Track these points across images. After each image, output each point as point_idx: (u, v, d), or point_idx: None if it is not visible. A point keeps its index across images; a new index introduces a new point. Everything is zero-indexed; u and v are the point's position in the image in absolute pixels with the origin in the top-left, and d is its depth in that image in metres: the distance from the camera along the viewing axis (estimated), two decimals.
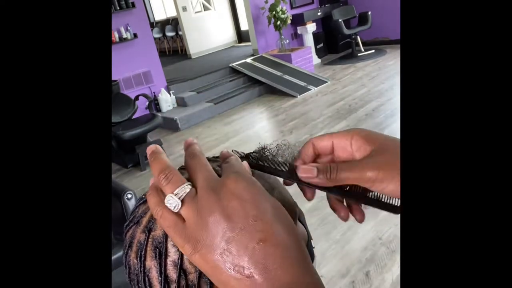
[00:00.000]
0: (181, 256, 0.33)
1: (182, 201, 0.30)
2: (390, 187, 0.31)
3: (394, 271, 1.83)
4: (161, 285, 0.33)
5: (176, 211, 0.30)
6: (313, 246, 0.42)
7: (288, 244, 0.29)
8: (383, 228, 2.09)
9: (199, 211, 0.29)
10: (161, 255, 0.33)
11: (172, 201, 0.30)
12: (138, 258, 0.34)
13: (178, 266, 0.33)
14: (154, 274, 0.34)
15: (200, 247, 0.28)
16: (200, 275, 0.33)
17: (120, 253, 1.63)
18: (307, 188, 0.35)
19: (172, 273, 0.33)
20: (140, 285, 0.34)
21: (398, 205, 0.32)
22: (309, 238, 0.42)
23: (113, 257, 1.62)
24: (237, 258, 0.27)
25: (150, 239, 0.34)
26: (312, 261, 0.41)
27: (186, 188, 0.30)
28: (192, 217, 0.29)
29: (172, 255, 0.33)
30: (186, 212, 0.30)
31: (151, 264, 0.34)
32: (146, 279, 0.34)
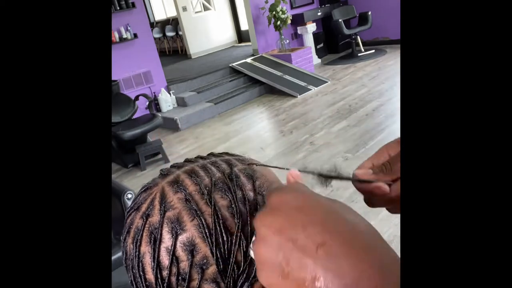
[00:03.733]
0: (175, 243, 0.33)
1: None
2: None
3: None
4: (153, 270, 0.34)
5: None
6: None
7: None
8: (383, 228, 2.09)
9: None
10: (156, 240, 0.34)
11: None
12: (134, 243, 0.35)
13: (171, 253, 0.33)
14: (147, 260, 0.34)
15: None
16: (192, 264, 0.33)
17: (120, 253, 1.63)
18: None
19: (165, 259, 0.34)
20: (134, 271, 0.35)
21: None
22: None
23: (113, 257, 1.61)
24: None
25: (147, 225, 0.35)
26: None
27: None
28: None
29: (166, 242, 0.34)
30: None
31: (146, 249, 0.34)
32: (140, 264, 0.35)
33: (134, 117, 3.98)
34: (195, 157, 0.43)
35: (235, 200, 0.35)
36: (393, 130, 3.36)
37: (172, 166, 0.41)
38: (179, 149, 4.06)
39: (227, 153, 0.44)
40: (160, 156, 3.75)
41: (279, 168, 0.40)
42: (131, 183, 3.44)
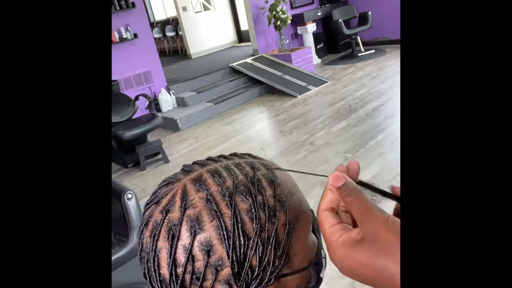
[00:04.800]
0: (192, 241, 0.34)
1: None
2: None
3: None
4: (168, 266, 0.34)
5: None
6: (323, 255, 0.42)
7: None
8: None
9: None
10: (174, 237, 0.34)
11: None
12: (152, 237, 0.35)
13: (188, 251, 0.34)
14: (163, 255, 0.35)
15: None
16: (207, 264, 0.33)
17: (120, 253, 1.63)
18: None
19: (181, 257, 0.34)
20: (149, 264, 0.35)
21: None
22: (319, 246, 0.42)
23: (113, 257, 1.61)
24: None
25: (166, 220, 0.35)
26: (321, 271, 0.41)
27: None
28: None
29: (184, 239, 0.34)
30: None
31: (163, 244, 0.35)
32: (156, 258, 0.35)
33: (134, 117, 3.98)
34: (218, 156, 0.43)
35: (255, 205, 0.35)
36: (393, 130, 3.36)
37: (194, 163, 0.41)
38: (179, 149, 4.06)
39: (250, 155, 0.43)
40: (160, 156, 3.75)
41: (313, 174, 0.40)
42: (131, 183, 3.43)
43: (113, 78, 4.31)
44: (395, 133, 3.28)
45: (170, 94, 5.18)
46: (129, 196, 1.72)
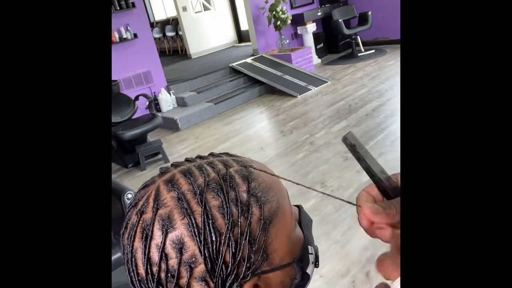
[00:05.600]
0: (164, 240, 0.34)
1: None
2: None
3: None
4: (144, 265, 0.35)
5: None
6: (310, 252, 0.42)
7: None
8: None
9: None
10: (147, 237, 0.35)
11: None
12: (128, 239, 0.36)
13: (160, 249, 0.34)
14: (139, 255, 0.35)
15: None
16: (180, 261, 0.34)
17: (120, 253, 1.62)
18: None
19: (155, 256, 0.35)
20: (128, 265, 0.36)
21: None
22: (305, 242, 0.42)
23: (113, 257, 1.61)
24: None
25: (140, 221, 0.36)
26: (307, 267, 0.40)
27: None
28: None
29: (157, 238, 0.35)
30: None
31: (138, 245, 0.35)
32: (133, 259, 0.36)
33: (134, 117, 3.98)
34: (196, 157, 0.43)
35: (227, 201, 0.36)
36: (393, 130, 3.36)
37: (172, 165, 0.42)
38: (179, 149, 4.06)
39: (227, 153, 0.44)
40: (160, 156, 3.75)
41: (286, 179, 0.41)
42: (131, 183, 3.43)
43: (113, 78, 4.31)
44: (395, 133, 3.28)
45: (170, 94, 5.17)
46: (129, 196, 1.72)
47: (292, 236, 0.40)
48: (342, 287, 1.79)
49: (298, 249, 0.40)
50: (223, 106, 5.04)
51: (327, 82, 5.32)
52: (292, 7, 6.71)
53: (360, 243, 2.05)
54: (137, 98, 4.10)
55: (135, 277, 0.36)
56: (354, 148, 0.34)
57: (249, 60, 5.96)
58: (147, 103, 4.19)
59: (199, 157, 0.43)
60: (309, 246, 0.42)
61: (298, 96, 4.99)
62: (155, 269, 0.34)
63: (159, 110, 5.04)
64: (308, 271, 0.41)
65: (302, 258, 0.40)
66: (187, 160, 0.42)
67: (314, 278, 1.89)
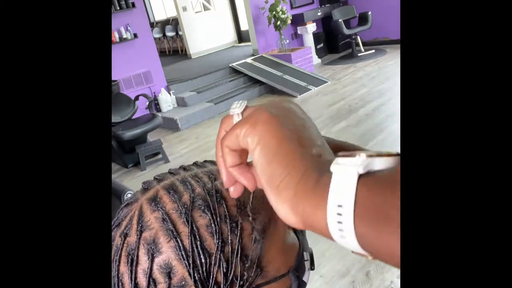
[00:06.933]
0: (151, 265, 0.33)
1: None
2: None
3: (394, 271, 1.82)
4: None
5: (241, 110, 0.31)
6: (306, 258, 0.40)
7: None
8: None
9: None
10: (133, 262, 0.34)
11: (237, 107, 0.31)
12: (114, 262, 0.35)
13: (147, 275, 0.33)
14: (126, 280, 0.34)
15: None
16: (169, 286, 0.33)
17: None
18: None
19: (143, 281, 0.33)
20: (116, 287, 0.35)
21: None
22: (301, 248, 0.40)
23: None
24: None
25: (125, 245, 0.35)
26: (303, 275, 0.39)
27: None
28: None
29: (143, 264, 0.33)
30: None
31: (124, 269, 0.34)
32: (120, 283, 0.34)
33: (134, 117, 3.98)
34: (179, 168, 0.41)
35: (214, 218, 0.34)
36: (393, 130, 3.36)
37: (154, 179, 0.40)
38: (179, 149, 4.06)
39: (211, 162, 0.42)
40: (160, 156, 3.75)
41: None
42: (131, 183, 3.43)
43: (113, 78, 4.31)
44: (395, 133, 3.28)
45: (170, 94, 5.18)
46: (129, 196, 1.72)
47: (287, 244, 0.38)
48: (342, 287, 1.79)
49: (293, 257, 0.38)
50: (223, 106, 5.05)
51: (327, 82, 5.32)
52: (292, 7, 6.71)
53: None
54: (137, 98, 4.10)
55: None
56: None
57: (249, 60, 5.96)
58: (147, 103, 4.19)
59: (183, 168, 0.41)
60: (304, 253, 0.40)
61: (298, 96, 4.99)
62: None
63: (159, 110, 5.04)
64: (305, 278, 0.39)
65: (298, 267, 0.38)
66: (170, 172, 0.40)
67: (314, 278, 1.89)
